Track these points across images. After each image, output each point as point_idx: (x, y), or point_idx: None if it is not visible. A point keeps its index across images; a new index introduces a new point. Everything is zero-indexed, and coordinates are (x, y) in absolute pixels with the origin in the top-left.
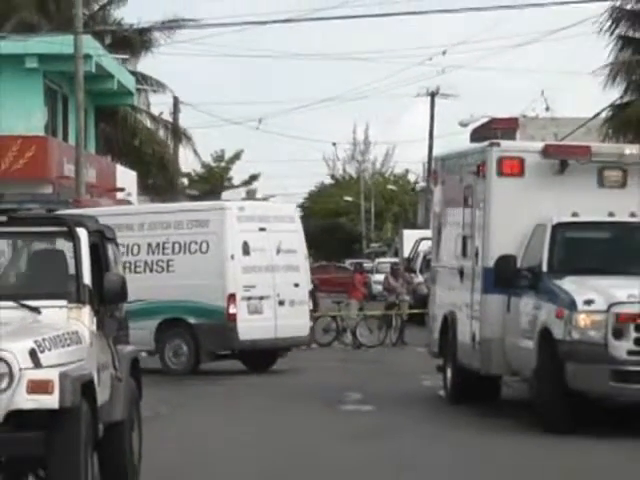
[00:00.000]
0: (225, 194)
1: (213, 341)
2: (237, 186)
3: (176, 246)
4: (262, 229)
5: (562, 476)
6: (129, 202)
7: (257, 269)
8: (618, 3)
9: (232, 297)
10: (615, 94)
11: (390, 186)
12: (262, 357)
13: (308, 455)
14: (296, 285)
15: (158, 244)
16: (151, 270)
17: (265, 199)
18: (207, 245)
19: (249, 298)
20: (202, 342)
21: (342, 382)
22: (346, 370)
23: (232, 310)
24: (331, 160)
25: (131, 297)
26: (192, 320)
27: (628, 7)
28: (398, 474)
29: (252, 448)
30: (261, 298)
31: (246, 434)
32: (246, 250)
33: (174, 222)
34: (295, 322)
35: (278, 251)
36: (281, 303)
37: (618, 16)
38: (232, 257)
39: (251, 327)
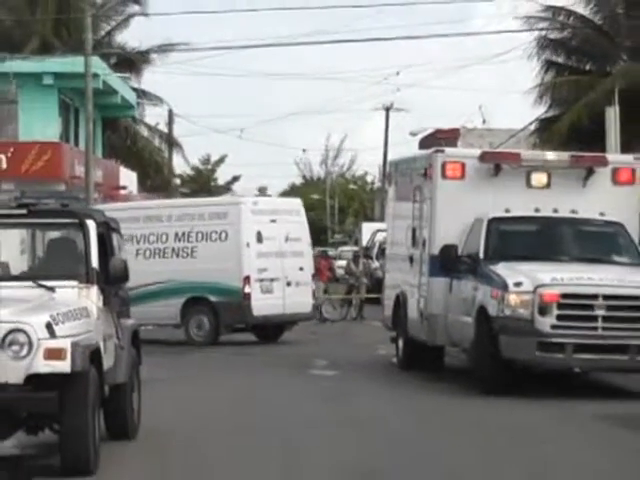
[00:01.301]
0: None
1: (231, 316)
2: (222, 186)
3: (199, 235)
4: (273, 220)
5: (497, 431)
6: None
7: (268, 255)
8: (543, 33)
9: (247, 279)
10: (541, 109)
11: (351, 186)
12: (272, 330)
13: (282, 411)
14: (301, 269)
15: (184, 233)
16: (177, 255)
17: (269, 196)
18: (226, 234)
19: (262, 280)
20: (221, 317)
21: (311, 351)
22: (314, 341)
23: (247, 290)
24: (302, 164)
25: (162, 278)
26: (213, 298)
27: (552, 36)
28: (357, 428)
29: (232, 406)
30: (272, 280)
31: (228, 394)
32: (259, 238)
33: (197, 214)
34: (300, 300)
35: (286, 239)
36: (288, 284)
37: (543, 44)
38: (247, 244)
39: (263, 304)
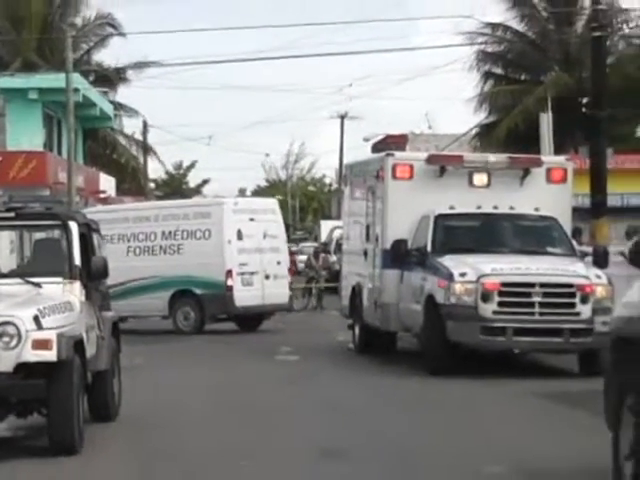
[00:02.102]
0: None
1: (215, 307)
2: (192, 188)
3: (185, 233)
4: (252, 219)
5: (443, 406)
6: (109, 202)
7: (248, 251)
8: (482, 47)
9: (229, 273)
10: (482, 116)
11: (311, 187)
12: (252, 320)
13: (251, 393)
14: (278, 263)
15: (170, 232)
16: (165, 252)
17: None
18: (209, 232)
19: (242, 273)
20: (206, 308)
21: (277, 339)
22: (281, 330)
23: (229, 283)
24: (267, 167)
25: (150, 274)
26: (198, 291)
27: (490, 50)
28: (318, 407)
29: (205, 390)
30: (252, 273)
31: (202, 379)
32: (240, 236)
33: (183, 214)
34: (277, 292)
35: (264, 236)
36: (267, 277)
37: (483, 57)
38: (229, 241)
39: (244, 296)
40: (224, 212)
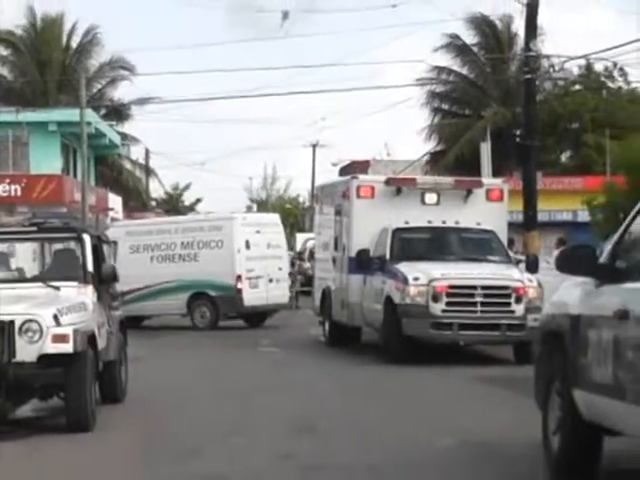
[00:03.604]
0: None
1: (227, 307)
2: (187, 206)
3: (200, 244)
4: (257, 231)
5: (400, 391)
6: (117, 218)
7: (255, 258)
8: (433, 87)
9: (239, 277)
10: (432, 145)
11: (287, 205)
12: (257, 317)
13: (237, 378)
14: (280, 269)
15: (188, 242)
16: (184, 260)
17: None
18: (222, 242)
19: (250, 278)
20: (219, 308)
21: (258, 333)
22: (260, 325)
23: (239, 286)
24: (248, 189)
25: (171, 278)
26: (212, 293)
27: (438, 90)
28: (294, 391)
29: (198, 376)
30: (258, 277)
31: (195, 368)
32: (247, 245)
33: (199, 227)
34: (279, 293)
35: (268, 246)
36: (270, 281)
37: (432, 95)
38: (238, 250)
39: (251, 297)
40: (234, 225)
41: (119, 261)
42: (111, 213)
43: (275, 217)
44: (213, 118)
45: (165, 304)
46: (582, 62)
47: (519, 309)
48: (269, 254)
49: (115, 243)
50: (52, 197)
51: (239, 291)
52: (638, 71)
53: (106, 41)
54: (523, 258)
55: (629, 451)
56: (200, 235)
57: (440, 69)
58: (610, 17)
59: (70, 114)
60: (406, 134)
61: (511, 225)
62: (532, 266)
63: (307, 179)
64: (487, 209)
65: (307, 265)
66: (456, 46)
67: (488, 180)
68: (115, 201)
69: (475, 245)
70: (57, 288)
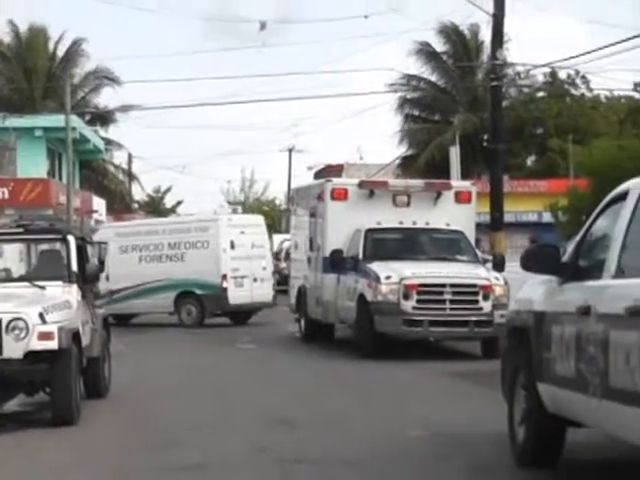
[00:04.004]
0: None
1: (212, 305)
2: (169, 209)
3: (187, 244)
4: (242, 232)
5: (372, 384)
6: (101, 220)
7: (239, 258)
8: (404, 94)
9: (224, 276)
10: (403, 149)
11: (265, 207)
12: (243, 315)
13: (217, 373)
14: (264, 268)
15: (175, 243)
16: (171, 260)
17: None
18: (207, 243)
19: (235, 277)
20: (205, 306)
21: (236, 330)
22: (245, 323)
23: (225, 285)
24: (226, 191)
25: (159, 277)
26: (199, 292)
27: (409, 97)
28: (271, 384)
29: (179, 371)
30: (242, 277)
31: (177, 363)
32: (232, 246)
33: (186, 228)
34: (263, 292)
35: (252, 246)
36: (255, 280)
37: (403, 101)
38: (224, 250)
39: (236, 296)
40: (220, 226)
41: (109, 261)
42: (95, 215)
43: (259, 218)
44: (193, 123)
45: (153, 302)
46: (547, 70)
47: (486, 306)
48: (253, 254)
49: (106, 244)
50: (39, 200)
51: (225, 290)
52: (600, 79)
53: (91, 50)
54: (490, 257)
55: (590, 442)
56: (187, 236)
57: (410, 77)
58: (574, 26)
59: (55, 120)
60: (378, 139)
61: (479, 226)
62: (499, 265)
63: (284, 182)
64: (456, 210)
65: (283, 265)
66: (427, 52)
67: (457, 183)
68: (99, 204)
69: (444, 245)
70: (43, 287)
